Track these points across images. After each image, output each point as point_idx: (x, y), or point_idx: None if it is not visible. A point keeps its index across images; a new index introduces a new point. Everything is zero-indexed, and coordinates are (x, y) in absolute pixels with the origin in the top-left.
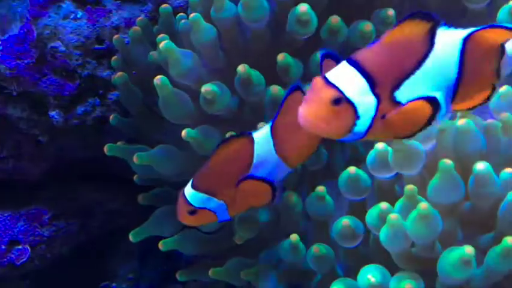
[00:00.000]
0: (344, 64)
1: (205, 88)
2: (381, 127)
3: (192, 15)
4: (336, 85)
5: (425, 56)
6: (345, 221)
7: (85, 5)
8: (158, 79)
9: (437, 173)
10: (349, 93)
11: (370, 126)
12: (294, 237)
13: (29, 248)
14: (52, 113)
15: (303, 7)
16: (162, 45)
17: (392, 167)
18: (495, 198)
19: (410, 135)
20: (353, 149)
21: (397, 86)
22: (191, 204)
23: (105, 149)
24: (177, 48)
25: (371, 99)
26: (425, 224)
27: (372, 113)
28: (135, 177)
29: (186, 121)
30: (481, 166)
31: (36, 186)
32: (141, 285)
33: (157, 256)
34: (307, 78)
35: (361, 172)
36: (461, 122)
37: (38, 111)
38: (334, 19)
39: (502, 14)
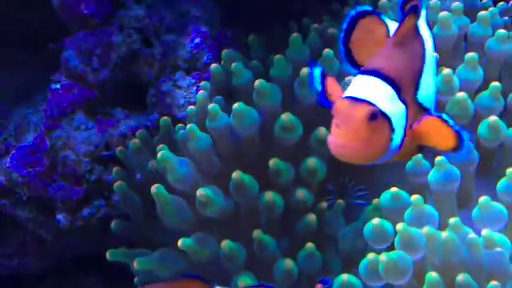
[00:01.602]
0: (362, 77)
1: (200, 192)
2: (411, 138)
3: (188, 125)
4: (367, 99)
5: (424, 50)
6: None
7: (96, 116)
8: (155, 187)
9: (425, 285)
10: (382, 106)
11: (403, 138)
12: None
13: None
14: (59, 216)
15: (286, 115)
16: (159, 154)
17: (382, 277)
18: None
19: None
20: (347, 254)
21: (416, 87)
22: None
23: (107, 254)
24: (174, 156)
25: (401, 107)
26: None
27: (403, 122)
28: (135, 280)
29: (184, 226)
30: (461, 277)
31: (40, 279)
32: None
33: None
34: (298, 182)
35: (353, 279)
36: (444, 234)
37: (45, 214)
38: (321, 130)
39: (481, 129)
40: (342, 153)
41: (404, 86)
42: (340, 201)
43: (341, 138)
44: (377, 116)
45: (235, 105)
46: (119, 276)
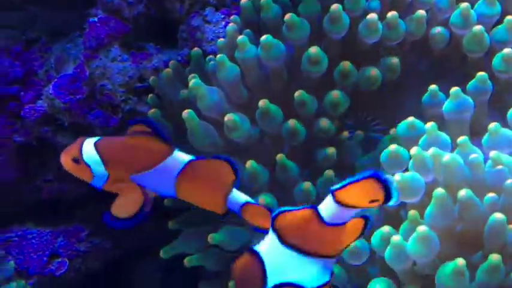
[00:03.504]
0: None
1: (228, 117)
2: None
3: (218, 56)
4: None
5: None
6: None
7: (130, 49)
8: (186, 112)
9: (432, 199)
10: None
11: None
12: None
13: (67, 261)
14: None
15: (314, 49)
16: (191, 82)
17: None
18: (481, 221)
19: None
20: None
21: None
22: (81, 155)
23: None
24: (205, 85)
25: None
26: (423, 244)
27: None
28: (165, 201)
29: (211, 149)
30: (462, 193)
31: (75, 205)
32: None
33: (178, 275)
34: (321, 113)
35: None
36: (446, 158)
37: None
38: (345, 64)
39: (496, 62)
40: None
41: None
42: (359, 132)
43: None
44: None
45: (263, 38)
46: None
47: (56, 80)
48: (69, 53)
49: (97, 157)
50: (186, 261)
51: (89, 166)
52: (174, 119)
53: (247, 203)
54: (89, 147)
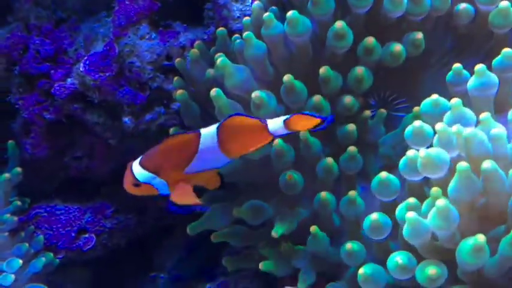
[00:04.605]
0: None
1: (255, 94)
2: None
3: (245, 33)
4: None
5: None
6: (374, 215)
7: (158, 27)
8: (214, 91)
9: (456, 173)
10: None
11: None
12: (313, 228)
13: (94, 236)
14: (125, 119)
15: (339, 23)
16: (218, 61)
17: (420, 172)
18: (505, 195)
19: None
20: (386, 158)
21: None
22: (137, 180)
23: None
24: (232, 63)
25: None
26: (443, 217)
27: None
28: None
29: None
30: (487, 164)
31: (102, 183)
32: (185, 275)
33: (201, 252)
34: (345, 90)
35: (391, 176)
36: (466, 131)
37: (113, 117)
38: (370, 39)
39: None
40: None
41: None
42: (381, 110)
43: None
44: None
45: (289, 13)
46: None
47: (86, 57)
48: (97, 32)
49: (148, 173)
50: (212, 236)
51: (148, 183)
52: (201, 99)
53: (284, 120)
54: (137, 169)
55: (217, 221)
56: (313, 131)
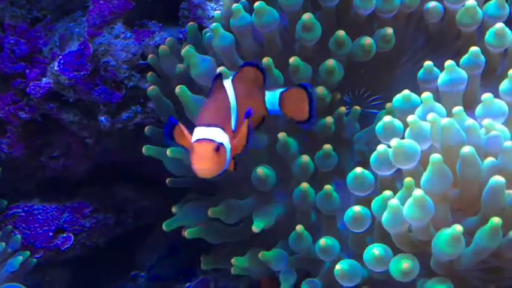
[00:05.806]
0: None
1: None
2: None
3: (213, 24)
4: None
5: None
6: (356, 207)
7: (133, 27)
8: (178, 88)
9: (429, 165)
10: (220, 140)
11: (230, 154)
12: (299, 227)
13: (72, 236)
14: (101, 117)
15: (307, 15)
16: (183, 50)
17: (393, 164)
18: (479, 184)
19: None
20: (360, 154)
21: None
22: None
23: (143, 149)
24: (197, 53)
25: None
26: (419, 207)
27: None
28: (167, 181)
29: None
30: (466, 149)
31: (80, 182)
32: (165, 274)
33: (179, 252)
34: (315, 82)
35: (366, 172)
36: (444, 120)
37: (89, 116)
38: (340, 32)
39: (488, 36)
40: (204, 173)
41: (224, 125)
42: (356, 107)
43: (202, 164)
44: (219, 147)
45: (256, 4)
46: (153, 184)
47: (61, 56)
48: (72, 31)
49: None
50: (186, 233)
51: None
52: (174, 95)
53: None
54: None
55: (193, 217)
56: (297, 126)
